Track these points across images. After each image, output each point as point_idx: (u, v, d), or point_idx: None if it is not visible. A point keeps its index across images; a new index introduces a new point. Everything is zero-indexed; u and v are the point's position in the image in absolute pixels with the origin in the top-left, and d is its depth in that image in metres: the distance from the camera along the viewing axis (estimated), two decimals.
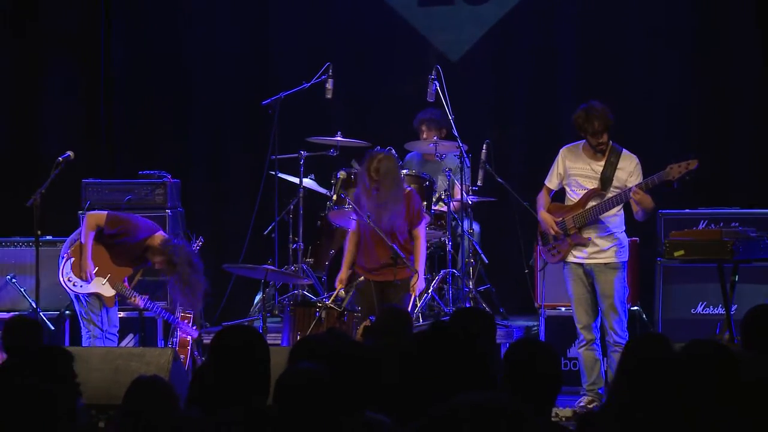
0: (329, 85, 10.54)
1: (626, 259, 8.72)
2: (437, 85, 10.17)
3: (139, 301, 9.28)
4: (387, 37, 11.78)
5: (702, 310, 9.83)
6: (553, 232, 8.73)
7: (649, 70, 11.29)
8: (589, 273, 8.68)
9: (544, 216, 8.83)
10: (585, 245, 8.66)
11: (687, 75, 11.23)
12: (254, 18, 11.89)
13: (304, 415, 4.15)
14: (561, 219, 8.74)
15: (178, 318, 9.40)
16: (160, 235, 9.25)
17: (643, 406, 4.46)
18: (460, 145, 10.08)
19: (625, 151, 8.72)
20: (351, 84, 11.45)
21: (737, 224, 8.98)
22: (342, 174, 9.01)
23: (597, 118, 8.59)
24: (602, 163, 8.68)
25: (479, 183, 10.37)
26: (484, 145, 10.31)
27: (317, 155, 10.65)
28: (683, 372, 4.33)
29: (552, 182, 8.88)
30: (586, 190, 8.69)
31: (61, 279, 9.22)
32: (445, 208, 10.20)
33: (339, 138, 10.51)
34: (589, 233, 8.67)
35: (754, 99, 11.08)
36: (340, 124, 10.87)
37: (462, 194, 10.16)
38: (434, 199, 10.19)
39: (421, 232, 8.96)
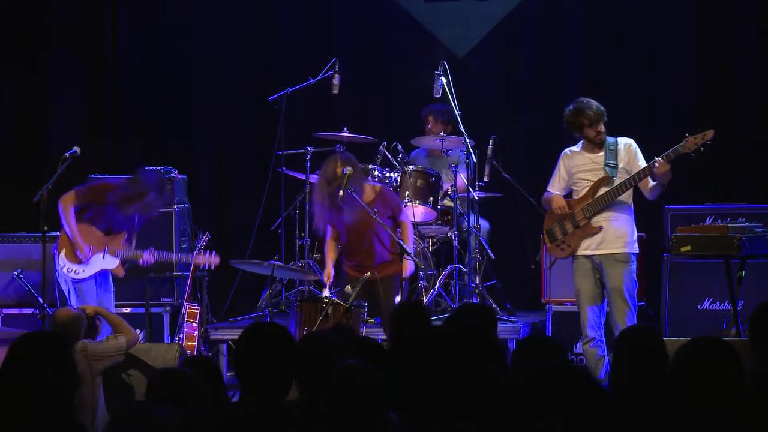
0: (336, 80, 10.54)
1: (636, 251, 8.68)
2: (443, 80, 10.16)
3: (147, 256, 9.31)
4: (393, 33, 11.78)
5: (709, 306, 9.82)
6: (560, 212, 8.67)
7: (652, 66, 11.28)
8: (598, 267, 8.65)
9: (555, 197, 8.74)
10: (595, 234, 8.63)
11: (690, 71, 11.22)
12: (260, 14, 11.90)
13: (358, 414, 4.20)
14: (570, 212, 8.72)
15: (193, 255, 9.55)
16: (129, 183, 9.33)
17: (639, 397, 4.52)
18: (467, 140, 10.07)
19: (618, 138, 8.74)
20: (357, 80, 11.45)
21: (744, 220, 8.96)
22: (348, 170, 9.02)
23: (589, 109, 8.63)
24: (602, 153, 8.69)
25: (485, 178, 10.38)
26: (491, 141, 10.33)
27: (324, 151, 10.66)
28: (685, 369, 4.35)
29: (555, 187, 8.83)
30: (591, 182, 8.68)
31: (61, 272, 9.24)
32: (451, 204, 10.21)
33: (345, 134, 10.52)
34: (599, 222, 8.65)
35: (759, 93, 11.06)
36: (346, 119, 10.86)
37: (468, 189, 10.15)
38: (440, 195, 10.20)
39: (405, 218, 9.16)
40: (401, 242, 8.69)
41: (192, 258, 9.57)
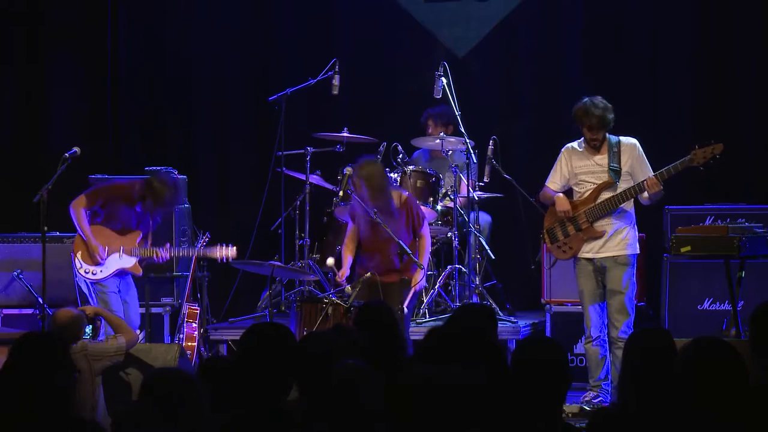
0: (336, 81, 10.53)
1: (637, 252, 8.70)
2: (443, 81, 10.16)
3: (163, 253, 9.32)
4: (393, 33, 11.78)
5: (708, 306, 9.82)
6: (564, 216, 8.68)
7: (653, 67, 11.28)
8: (600, 269, 8.66)
9: (559, 199, 8.73)
10: (599, 238, 8.63)
11: (691, 71, 11.21)
12: (260, 14, 11.90)
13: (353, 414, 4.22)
14: (573, 215, 8.71)
15: (204, 244, 9.51)
16: (139, 182, 9.30)
17: (648, 400, 4.50)
18: (467, 141, 10.07)
19: (622, 138, 8.72)
20: (357, 80, 11.44)
21: (744, 220, 8.97)
22: (348, 170, 9.02)
23: (594, 116, 8.59)
24: (605, 155, 8.68)
25: (486, 179, 10.37)
26: (491, 141, 10.32)
27: (323, 151, 10.66)
28: (688, 369, 4.34)
29: (554, 183, 8.82)
30: (594, 185, 8.68)
31: (79, 275, 9.25)
32: (451, 204, 10.20)
33: (345, 134, 10.52)
34: (603, 226, 8.65)
35: (759, 93, 11.06)
36: (346, 120, 10.86)
37: (468, 190, 10.16)
38: (440, 195, 10.19)
39: (425, 233, 9.05)
40: (402, 243, 8.67)
41: (209, 252, 9.52)
